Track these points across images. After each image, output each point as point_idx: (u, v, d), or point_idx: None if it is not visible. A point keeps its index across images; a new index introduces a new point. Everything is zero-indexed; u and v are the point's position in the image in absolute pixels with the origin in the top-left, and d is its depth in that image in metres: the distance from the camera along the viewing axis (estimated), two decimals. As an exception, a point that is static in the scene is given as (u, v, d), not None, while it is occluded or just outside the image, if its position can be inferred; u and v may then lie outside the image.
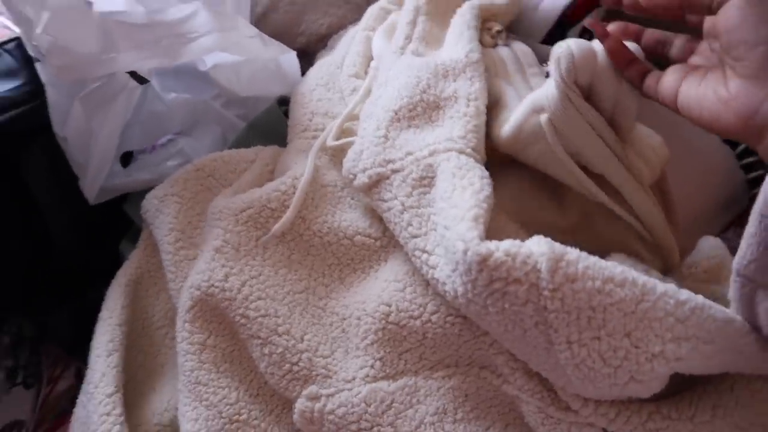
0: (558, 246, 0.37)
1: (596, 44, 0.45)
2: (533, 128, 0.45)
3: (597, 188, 0.45)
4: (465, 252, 0.37)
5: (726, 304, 0.42)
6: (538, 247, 0.37)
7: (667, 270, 0.47)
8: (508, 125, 0.46)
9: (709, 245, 0.47)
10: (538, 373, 0.42)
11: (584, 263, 0.36)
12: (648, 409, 0.39)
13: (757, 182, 0.55)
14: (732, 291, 0.36)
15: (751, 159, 0.61)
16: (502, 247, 0.37)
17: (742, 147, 0.61)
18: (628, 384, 0.37)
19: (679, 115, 0.42)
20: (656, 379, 0.37)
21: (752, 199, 0.55)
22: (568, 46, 0.43)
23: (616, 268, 0.37)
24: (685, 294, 0.36)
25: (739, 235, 0.57)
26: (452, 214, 0.40)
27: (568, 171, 0.45)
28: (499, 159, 0.50)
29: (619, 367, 0.37)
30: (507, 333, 0.39)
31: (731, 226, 0.59)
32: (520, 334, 0.38)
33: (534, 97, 0.45)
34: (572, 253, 0.37)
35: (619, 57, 0.44)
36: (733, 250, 0.54)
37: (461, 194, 0.40)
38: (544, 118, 0.44)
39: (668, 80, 0.42)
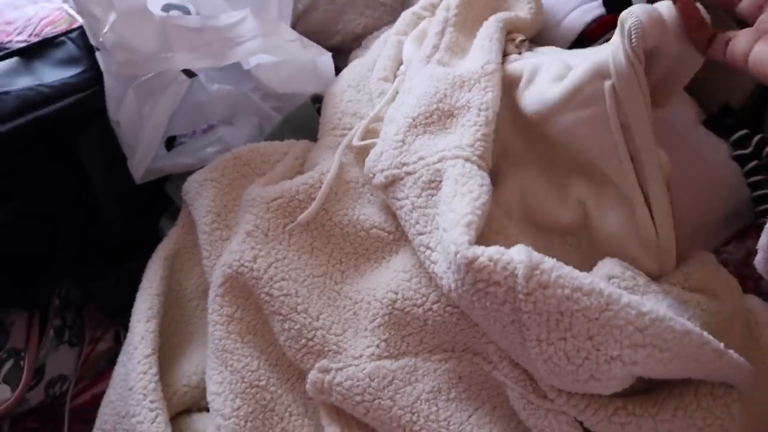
0: (536, 255, 0.41)
1: (661, 6, 0.45)
2: (593, 92, 0.46)
3: (630, 165, 0.47)
4: (455, 254, 0.42)
5: (709, 315, 0.45)
6: (518, 255, 0.41)
7: (660, 274, 0.50)
8: (563, 85, 0.48)
9: (703, 258, 0.50)
10: None
11: (557, 272, 0.41)
12: (615, 405, 0.43)
13: (762, 200, 0.57)
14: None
15: (758, 177, 0.63)
16: (487, 253, 0.42)
17: (751, 165, 0.63)
18: (588, 381, 0.41)
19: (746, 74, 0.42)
20: (613, 379, 0.41)
21: (757, 216, 0.57)
22: (636, 17, 0.43)
23: (586, 278, 0.41)
24: (647, 306, 0.40)
25: (740, 250, 0.59)
26: (450, 218, 0.44)
27: (609, 142, 0.47)
28: (509, 155, 0.53)
29: (581, 365, 0.41)
30: (490, 327, 0.44)
31: (732, 240, 0.61)
32: (500, 328, 0.43)
33: (598, 61, 0.46)
34: (548, 262, 0.41)
35: (690, 20, 0.44)
36: (734, 263, 0.57)
37: (460, 200, 0.45)
38: (608, 84, 0.45)
39: (741, 42, 0.43)
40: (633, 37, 0.43)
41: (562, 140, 0.50)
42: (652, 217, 0.48)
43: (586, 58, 0.48)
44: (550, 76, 0.50)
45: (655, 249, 0.49)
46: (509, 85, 0.54)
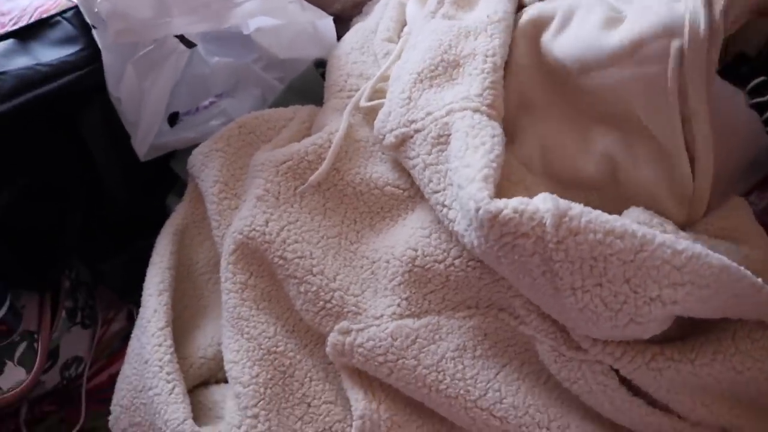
0: (562, 202, 0.40)
1: None
2: (658, 50, 0.43)
3: (680, 126, 0.44)
4: (477, 210, 0.41)
5: (737, 259, 0.43)
6: (544, 203, 0.40)
7: (689, 223, 0.48)
8: (623, 36, 0.44)
9: (732, 205, 0.48)
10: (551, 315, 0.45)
11: (587, 217, 0.39)
12: (652, 351, 0.42)
13: (784, 148, 0.56)
14: None
15: (778, 125, 0.61)
16: (510, 205, 0.40)
17: (768, 113, 0.61)
18: (627, 326, 0.40)
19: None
20: (654, 321, 0.40)
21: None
22: None
23: (617, 221, 0.39)
24: (683, 244, 0.39)
25: (762, 199, 0.58)
26: (465, 174, 0.43)
27: (661, 102, 0.44)
28: (528, 106, 0.51)
29: (619, 310, 0.40)
30: (519, 281, 0.43)
31: (754, 190, 0.60)
32: (530, 281, 0.42)
33: (670, 18, 0.43)
34: (576, 208, 0.40)
35: None
36: (757, 213, 0.55)
37: (473, 154, 0.43)
38: (676, 44, 0.42)
39: None
40: (723, 12, 0.42)
41: (599, 92, 0.48)
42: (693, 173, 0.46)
43: (644, 7, 0.45)
44: (595, 20, 0.47)
45: (687, 202, 0.47)
46: (535, 29, 0.51)
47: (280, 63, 0.70)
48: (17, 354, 0.60)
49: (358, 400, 0.47)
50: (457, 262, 0.46)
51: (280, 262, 0.50)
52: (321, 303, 0.49)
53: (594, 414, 0.46)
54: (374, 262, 0.50)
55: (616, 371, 0.43)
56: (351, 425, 0.48)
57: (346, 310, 0.49)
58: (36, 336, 0.62)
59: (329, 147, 0.53)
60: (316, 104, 0.63)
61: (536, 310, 0.45)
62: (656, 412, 0.43)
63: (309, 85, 0.65)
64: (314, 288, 0.49)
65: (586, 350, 0.43)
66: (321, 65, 0.67)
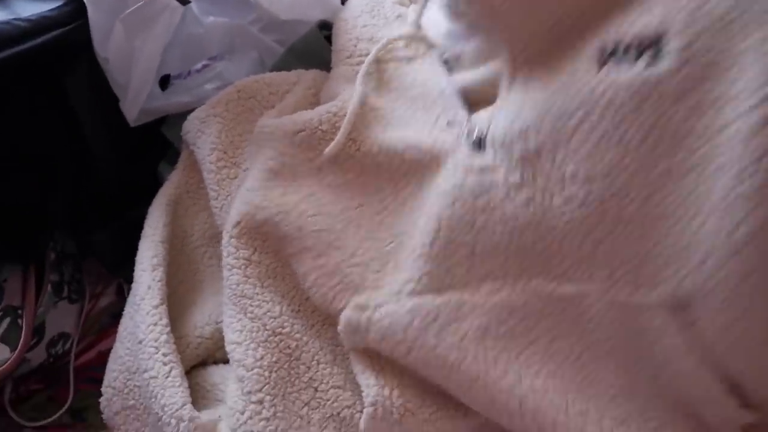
0: None
1: None
2: None
3: None
4: None
5: None
6: None
7: None
8: None
9: None
10: None
11: None
12: None
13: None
14: None
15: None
16: None
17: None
18: None
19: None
20: None
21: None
22: None
23: None
24: None
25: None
26: None
27: None
28: None
29: None
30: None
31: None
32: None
33: None
34: None
35: None
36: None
37: None
38: None
39: None
40: None
41: None
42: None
43: None
44: None
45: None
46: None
47: (280, 24, 0.66)
48: (0, 331, 0.57)
49: (370, 386, 0.44)
50: (485, 227, 0.42)
51: (296, 233, 0.47)
52: (338, 278, 0.46)
53: (616, 399, 0.43)
54: (396, 235, 0.46)
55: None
56: (360, 411, 0.45)
57: (365, 284, 0.45)
58: (20, 311, 0.58)
59: (344, 116, 0.49)
60: (320, 69, 0.59)
61: (587, 259, 0.40)
62: (709, 369, 0.38)
63: (312, 48, 0.61)
64: (333, 261, 0.46)
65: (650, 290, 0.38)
66: (324, 27, 0.63)
